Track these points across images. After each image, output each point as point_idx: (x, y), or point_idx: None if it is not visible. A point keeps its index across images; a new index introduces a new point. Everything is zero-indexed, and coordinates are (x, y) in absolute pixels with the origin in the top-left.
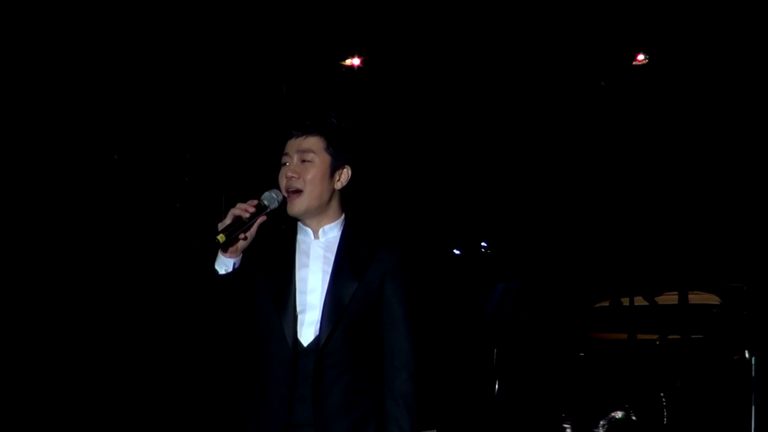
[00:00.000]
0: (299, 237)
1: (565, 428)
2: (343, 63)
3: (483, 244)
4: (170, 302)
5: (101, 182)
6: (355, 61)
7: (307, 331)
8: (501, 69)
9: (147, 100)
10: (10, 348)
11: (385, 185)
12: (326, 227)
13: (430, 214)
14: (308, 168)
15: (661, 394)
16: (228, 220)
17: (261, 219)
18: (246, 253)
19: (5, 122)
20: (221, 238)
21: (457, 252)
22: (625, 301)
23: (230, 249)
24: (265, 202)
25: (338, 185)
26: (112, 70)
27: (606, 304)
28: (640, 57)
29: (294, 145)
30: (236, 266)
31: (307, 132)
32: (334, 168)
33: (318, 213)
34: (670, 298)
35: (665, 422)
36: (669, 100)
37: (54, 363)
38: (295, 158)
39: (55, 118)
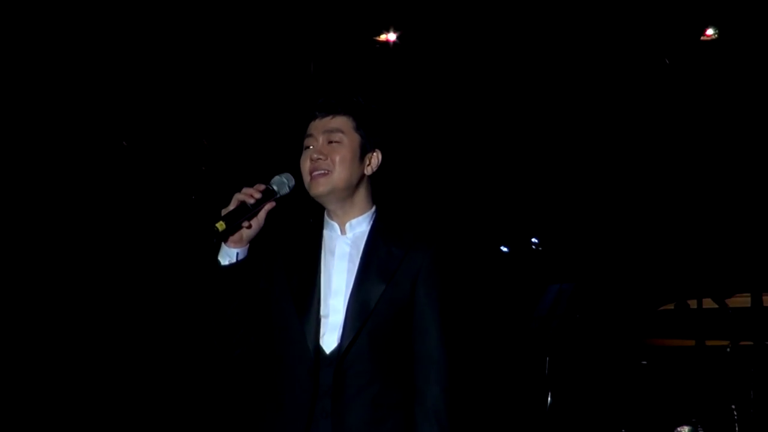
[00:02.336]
0: (325, 233)
1: None
2: (377, 38)
3: (534, 240)
4: (182, 300)
5: (108, 171)
6: (391, 37)
7: (330, 337)
8: (557, 43)
9: (160, 80)
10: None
11: (424, 174)
12: (354, 221)
13: (475, 208)
14: (336, 148)
15: (732, 407)
16: (231, 206)
17: (269, 206)
18: (262, 246)
19: (12, 106)
20: (221, 225)
21: (504, 249)
22: (693, 304)
23: (233, 238)
24: (274, 187)
25: (368, 170)
26: (122, 48)
27: (671, 306)
28: (709, 32)
29: (319, 125)
30: (240, 257)
31: (333, 112)
32: (365, 150)
33: (344, 199)
34: (742, 300)
35: None
36: (742, 81)
37: (55, 361)
38: (321, 139)
39: (62, 100)
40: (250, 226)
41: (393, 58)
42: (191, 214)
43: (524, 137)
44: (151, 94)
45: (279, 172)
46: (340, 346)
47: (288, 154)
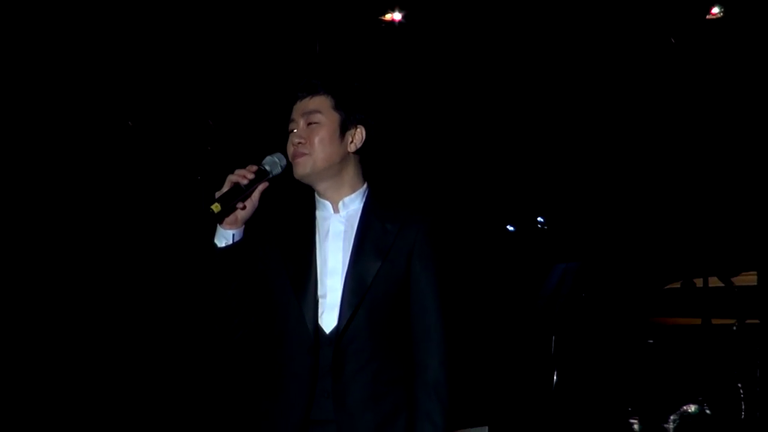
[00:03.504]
0: (318, 213)
1: (632, 424)
2: (383, 18)
3: (540, 219)
4: (182, 284)
5: (113, 151)
6: (396, 16)
7: (328, 317)
8: (563, 21)
9: (164, 59)
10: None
11: (430, 153)
12: (346, 199)
13: (481, 187)
14: (315, 130)
15: (739, 386)
16: (225, 188)
17: (263, 186)
18: (257, 228)
19: (18, 87)
20: (216, 207)
21: (510, 228)
22: (699, 282)
23: (228, 220)
24: (267, 167)
25: (351, 147)
26: (128, 29)
27: (677, 285)
28: (715, 10)
29: (299, 108)
30: (236, 239)
31: (313, 92)
32: (345, 128)
33: (331, 178)
34: (748, 279)
35: (743, 416)
36: (748, 61)
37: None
38: (301, 122)
39: (65, 79)
40: (244, 207)
41: (396, 35)
42: (197, 195)
43: (531, 117)
44: (156, 75)
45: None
46: (338, 324)
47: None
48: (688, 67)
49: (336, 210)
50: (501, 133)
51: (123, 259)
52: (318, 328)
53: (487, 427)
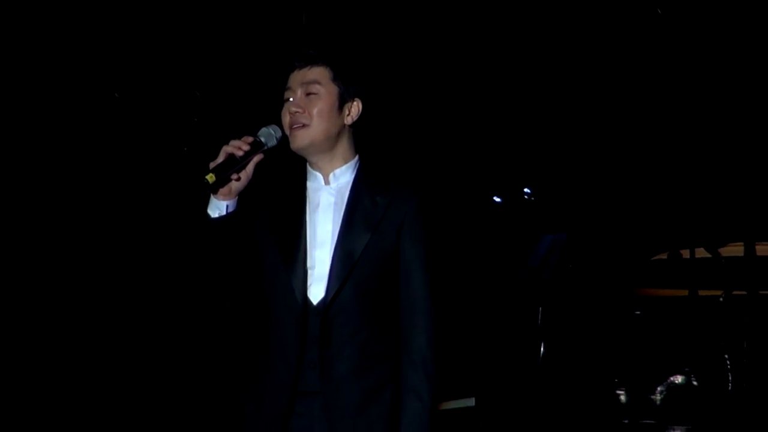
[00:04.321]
0: (308, 183)
1: (619, 395)
2: None
3: (527, 190)
4: (174, 254)
5: (100, 123)
6: None
7: (317, 288)
8: None
9: (151, 29)
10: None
11: (415, 123)
12: (337, 171)
13: (468, 158)
14: (314, 101)
15: (726, 357)
16: (220, 159)
17: (258, 158)
18: (248, 199)
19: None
20: (210, 178)
21: (497, 200)
22: (686, 253)
23: (222, 191)
24: (262, 139)
25: (348, 120)
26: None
27: (664, 256)
28: None
29: (297, 77)
30: (230, 210)
31: (311, 62)
32: (343, 100)
33: (326, 151)
34: (735, 250)
35: (730, 388)
36: (736, 31)
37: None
38: (299, 91)
39: (46, 48)
40: (239, 179)
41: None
42: (184, 166)
43: (516, 89)
44: (143, 46)
45: (268, 124)
46: (326, 296)
47: (279, 106)
48: (674, 38)
49: (327, 182)
50: (487, 104)
51: (109, 231)
52: (306, 299)
53: (473, 399)
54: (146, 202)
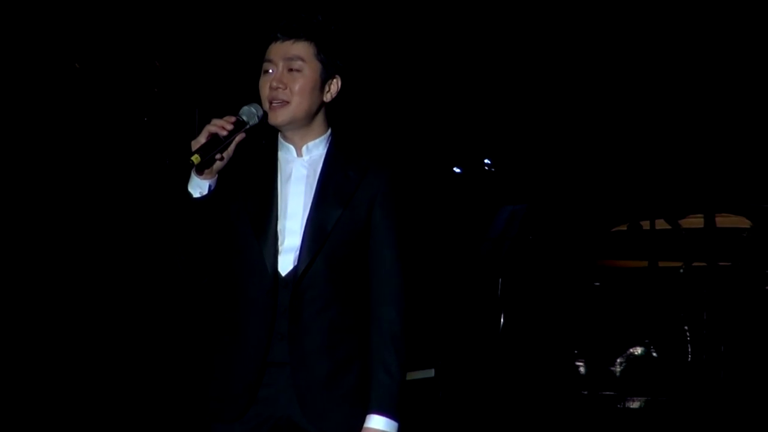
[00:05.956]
0: (280, 155)
1: (578, 366)
2: None
3: (487, 161)
4: (138, 227)
5: (60, 94)
6: None
7: (286, 259)
8: None
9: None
10: None
11: (376, 94)
12: (310, 144)
13: (427, 128)
14: (296, 78)
15: (685, 328)
16: (203, 138)
17: (240, 137)
18: (222, 173)
19: None
20: (195, 158)
21: (457, 170)
22: (646, 225)
23: (206, 171)
24: (244, 118)
25: (328, 97)
26: None
27: (624, 228)
28: None
29: (279, 50)
30: (212, 188)
31: (294, 36)
32: (325, 78)
33: (303, 126)
34: (695, 221)
35: (689, 359)
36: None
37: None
38: (281, 66)
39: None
40: (222, 158)
41: None
42: (143, 137)
43: (477, 57)
44: (103, 16)
45: (235, 95)
46: (296, 268)
47: (241, 78)
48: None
49: (299, 154)
50: (447, 74)
51: (69, 204)
52: (276, 271)
53: (433, 370)
54: (106, 174)
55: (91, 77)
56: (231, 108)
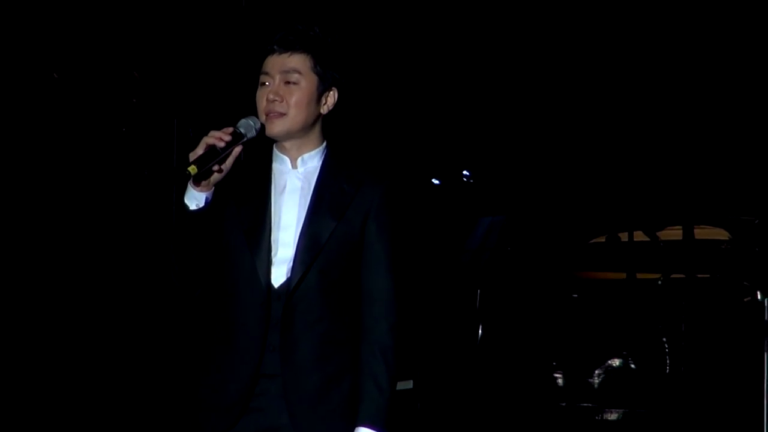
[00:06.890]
0: (275, 166)
1: (557, 378)
2: None
3: (465, 173)
4: (121, 239)
5: (38, 104)
6: None
7: (279, 271)
8: None
9: (89, 7)
10: None
11: (354, 105)
12: (306, 156)
13: (405, 140)
14: (293, 91)
15: (664, 340)
16: (200, 150)
17: (237, 149)
18: (218, 185)
19: None
20: (193, 169)
21: (436, 182)
22: (624, 237)
23: (203, 182)
24: (242, 130)
25: (324, 109)
26: None
27: (602, 239)
28: None
29: (276, 63)
30: (208, 201)
31: (291, 49)
32: (322, 90)
33: (299, 138)
34: (673, 233)
35: (668, 371)
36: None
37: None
38: (278, 78)
39: None
40: (220, 171)
41: None
42: (121, 147)
43: (455, 68)
44: (81, 26)
45: (214, 106)
46: (289, 280)
47: (219, 87)
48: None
49: (294, 166)
50: (425, 86)
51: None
52: (269, 283)
53: (411, 381)
54: (84, 184)
55: (69, 87)
56: (212, 119)
